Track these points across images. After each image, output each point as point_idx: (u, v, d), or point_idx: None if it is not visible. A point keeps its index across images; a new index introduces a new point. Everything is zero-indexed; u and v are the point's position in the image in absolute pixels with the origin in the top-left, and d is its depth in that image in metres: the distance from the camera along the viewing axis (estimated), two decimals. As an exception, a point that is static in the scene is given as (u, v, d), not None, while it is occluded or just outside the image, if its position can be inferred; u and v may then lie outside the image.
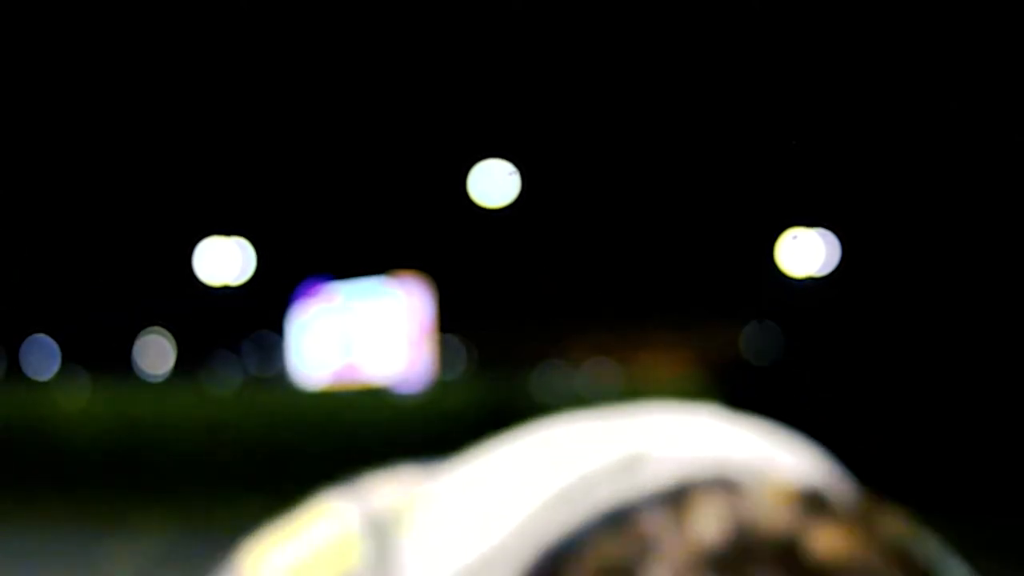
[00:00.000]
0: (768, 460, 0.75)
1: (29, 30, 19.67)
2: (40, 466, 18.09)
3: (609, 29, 19.46)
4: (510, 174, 21.10)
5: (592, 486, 0.75)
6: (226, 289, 31.34)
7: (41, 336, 40.42)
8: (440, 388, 31.21)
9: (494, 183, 23.24)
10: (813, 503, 0.72)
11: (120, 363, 38.52)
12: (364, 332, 33.92)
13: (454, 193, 23.98)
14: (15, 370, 37.94)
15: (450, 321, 34.48)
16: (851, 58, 17.97)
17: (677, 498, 0.73)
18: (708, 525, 0.70)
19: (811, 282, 22.75)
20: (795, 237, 22.92)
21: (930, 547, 0.73)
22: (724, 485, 0.73)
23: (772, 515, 0.71)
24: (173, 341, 42.23)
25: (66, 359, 39.00)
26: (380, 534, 0.80)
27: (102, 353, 37.05)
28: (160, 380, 37.12)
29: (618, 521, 0.72)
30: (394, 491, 0.85)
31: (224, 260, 30.66)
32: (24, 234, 26.96)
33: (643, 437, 0.77)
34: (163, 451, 20.44)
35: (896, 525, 0.72)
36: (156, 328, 41.94)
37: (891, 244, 20.07)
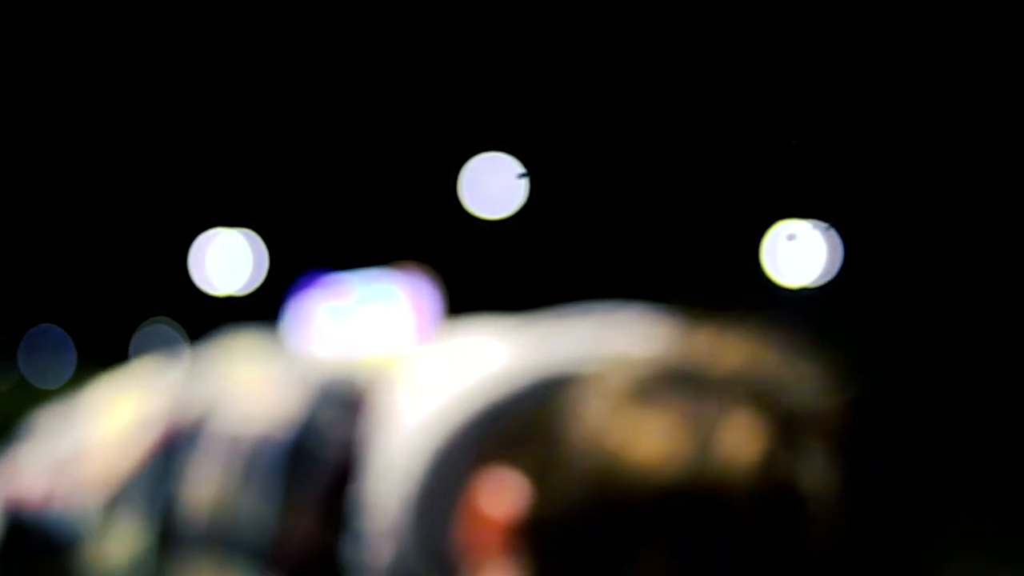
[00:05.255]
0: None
1: (29, 18, 19.76)
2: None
3: (605, 28, 19.56)
4: (519, 176, 21.01)
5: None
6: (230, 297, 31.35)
7: (49, 328, 40.43)
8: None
9: (494, 187, 23.18)
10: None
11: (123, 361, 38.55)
12: (367, 330, 33.93)
13: (458, 191, 24.08)
14: (17, 369, 37.95)
15: (453, 319, 34.51)
16: (851, 57, 18.06)
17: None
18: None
19: (809, 282, 22.84)
20: (792, 236, 23.00)
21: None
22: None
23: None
24: (176, 343, 42.20)
25: (78, 358, 38.97)
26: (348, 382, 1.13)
27: (108, 354, 37.07)
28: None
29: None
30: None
31: (226, 260, 30.61)
32: (31, 232, 27.06)
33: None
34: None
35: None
36: (158, 321, 41.93)
37: (892, 244, 20.15)
